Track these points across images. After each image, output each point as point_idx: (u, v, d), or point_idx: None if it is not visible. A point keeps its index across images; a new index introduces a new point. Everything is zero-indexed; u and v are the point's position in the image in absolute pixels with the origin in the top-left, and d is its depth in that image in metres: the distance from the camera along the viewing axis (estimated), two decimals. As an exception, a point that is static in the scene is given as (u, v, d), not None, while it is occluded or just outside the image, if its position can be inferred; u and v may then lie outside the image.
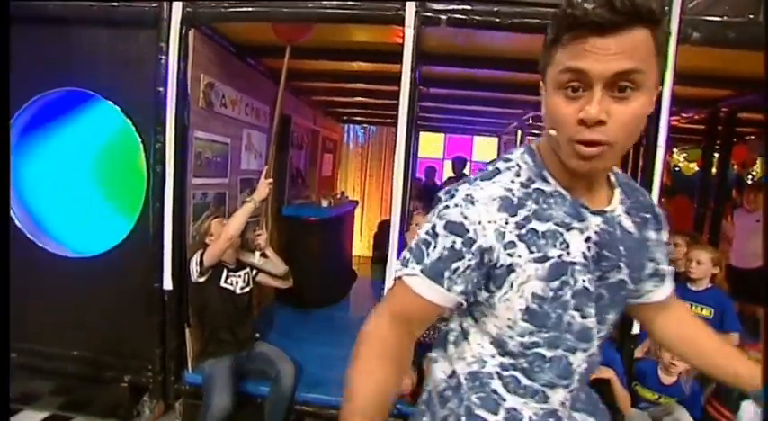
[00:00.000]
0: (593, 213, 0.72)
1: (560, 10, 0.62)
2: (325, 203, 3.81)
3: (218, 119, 2.70)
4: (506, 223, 0.68)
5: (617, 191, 0.77)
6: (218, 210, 2.73)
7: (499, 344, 0.74)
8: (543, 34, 1.92)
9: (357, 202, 4.83)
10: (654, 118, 2.09)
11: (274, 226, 3.69)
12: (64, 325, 2.52)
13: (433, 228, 0.70)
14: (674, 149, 5.84)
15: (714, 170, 3.68)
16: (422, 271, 0.70)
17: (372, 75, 3.44)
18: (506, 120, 5.14)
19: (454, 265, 0.68)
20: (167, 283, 2.34)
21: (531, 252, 0.68)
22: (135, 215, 2.41)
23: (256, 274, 2.52)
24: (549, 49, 0.65)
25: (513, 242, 0.68)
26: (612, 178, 0.79)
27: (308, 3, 2.19)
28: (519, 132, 4.91)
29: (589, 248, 0.70)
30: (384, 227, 5.48)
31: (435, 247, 0.69)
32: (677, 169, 5.96)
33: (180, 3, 2.21)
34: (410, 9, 2.07)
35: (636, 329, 2.18)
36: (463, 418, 0.76)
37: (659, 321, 0.89)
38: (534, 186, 0.71)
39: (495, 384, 0.76)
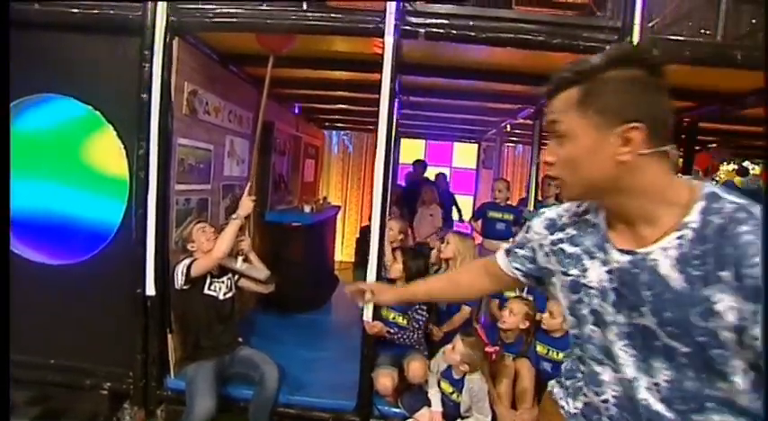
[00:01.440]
0: (619, 250, 0.78)
1: None
2: (307, 209, 3.85)
3: (202, 126, 2.73)
4: (545, 238, 0.92)
5: (675, 234, 0.71)
6: (201, 216, 2.75)
7: (572, 337, 0.93)
8: (516, 47, 2.03)
9: (339, 208, 4.88)
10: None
11: (257, 231, 3.70)
12: (43, 333, 2.49)
13: (524, 227, 1.03)
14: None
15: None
16: (506, 248, 1.06)
17: (353, 83, 3.52)
18: (485, 128, 5.29)
19: (517, 250, 1.01)
20: (150, 289, 2.35)
21: (558, 265, 0.88)
22: (116, 221, 2.42)
23: (239, 279, 2.55)
24: None
25: (547, 253, 0.92)
26: (691, 218, 0.70)
27: (291, 14, 2.26)
28: (498, 139, 5.08)
29: (611, 280, 0.79)
30: (366, 232, 5.53)
31: (517, 237, 1.04)
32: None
33: (164, 12, 2.24)
34: (390, 22, 2.15)
35: None
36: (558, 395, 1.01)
37: None
38: (586, 216, 0.87)
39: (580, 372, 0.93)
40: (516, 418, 2.13)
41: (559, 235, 0.89)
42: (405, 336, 2.31)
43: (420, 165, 5.36)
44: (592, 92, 0.72)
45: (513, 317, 2.35)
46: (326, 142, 6.36)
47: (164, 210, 2.37)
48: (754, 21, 2.45)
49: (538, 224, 0.95)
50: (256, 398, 2.25)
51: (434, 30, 2.20)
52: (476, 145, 6.15)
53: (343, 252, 6.24)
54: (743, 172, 5.47)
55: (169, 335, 2.46)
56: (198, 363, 2.29)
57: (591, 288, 0.81)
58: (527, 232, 0.98)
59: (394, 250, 2.56)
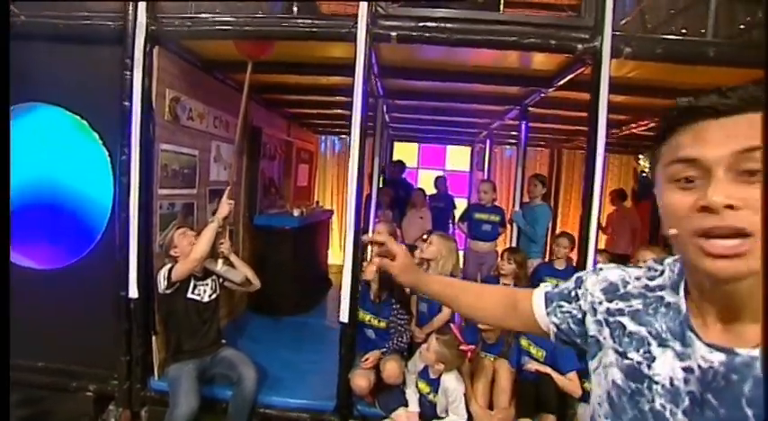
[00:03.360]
0: (707, 345, 0.60)
1: (669, 109, 0.61)
2: (296, 213, 3.88)
3: (185, 132, 2.78)
4: (600, 303, 0.73)
5: None
6: (186, 220, 2.80)
7: (593, 418, 0.75)
8: (489, 48, 2.02)
9: (332, 212, 4.91)
10: (592, 126, 2.23)
11: (247, 235, 3.75)
12: (30, 336, 2.54)
13: (574, 277, 0.84)
14: (641, 156, 6.06)
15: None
16: (546, 292, 0.85)
17: (347, 88, 3.52)
18: (477, 130, 5.31)
19: (562, 302, 0.81)
20: (133, 292, 2.39)
21: (614, 341, 0.69)
22: (101, 226, 2.48)
23: (224, 281, 2.59)
24: (658, 146, 0.62)
25: (599, 321, 0.72)
26: None
27: (267, 21, 2.31)
28: (488, 141, 5.08)
29: (687, 380, 0.60)
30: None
31: (563, 285, 0.84)
32: (644, 175, 6.16)
33: (143, 21, 2.30)
34: (362, 26, 2.19)
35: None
36: None
37: None
38: (658, 293, 0.68)
39: None
40: (492, 418, 2.12)
41: (620, 304, 0.70)
42: (394, 340, 2.33)
43: (398, 165, 5.39)
44: None
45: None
46: (321, 147, 6.42)
47: (146, 214, 2.42)
48: (748, 18, 2.45)
49: (593, 282, 0.76)
50: (234, 399, 2.28)
51: (406, 32, 2.23)
52: (469, 147, 6.17)
53: (338, 256, 6.26)
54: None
55: (153, 337, 2.50)
56: (180, 364, 2.32)
57: (656, 382, 0.63)
58: (577, 286, 0.79)
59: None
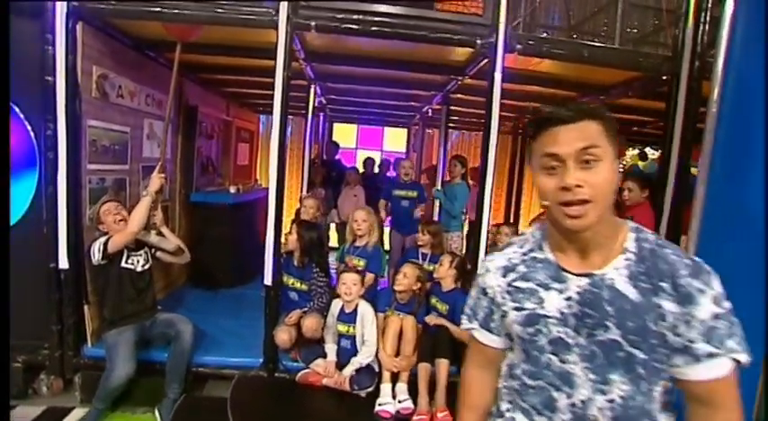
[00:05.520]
0: (577, 275, 0.86)
1: (532, 116, 0.89)
2: (233, 190, 4.02)
3: (116, 109, 2.84)
4: (502, 284, 0.95)
5: (622, 256, 0.84)
6: (119, 195, 2.89)
7: (509, 369, 0.98)
8: (400, 40, 2.25)
9: (271, 190, 5.05)
10: (487, 110, 2.58)
11: (183, 212, 3.86)
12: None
13: (475, 292, 1.02)
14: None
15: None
16: (477, 325, 1.01)
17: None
18: (413, 113, 5.61)
19: (494, 317, 0.98)
20: (63, 263, 2.48)
21: (513, 302, 0.92)
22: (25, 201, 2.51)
23: (156, 252, 2.73)
24: (530, 145, 0.88)
25: (504, 297, 0.94)
26: (628, 244, 0.85)
27: (194, 5, 2.41)
28: (420, 124, 5.39)
29: (570, 306, 0.85)
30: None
31: (473, 302, 1.02)
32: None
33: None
34: (282, 16, 2.37)
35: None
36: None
37: (693, 412, 0.85)
38: (531, 255, 0.94)
39: (501, 401, 1.00)
40: (396, 363, 2.47)
41: (512, 275, 0.93)
42: (315, 301, 2.61)
43: (333, 145, 5.65)
44: (608, 125, 0.82)
45: (405, 279, 2.66)
46: (263, 126, 6.45)
47: (75, 188, 2.50)
48: (656, 21, 2.86)
49: (492, 278, 0.97)
50: (172, 354, 2.46)
51: (325, 23, 2.44)
52: (406, 129, 6.47)
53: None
54: (643, 157, 6.11)
55: (86, 307, 2.61)
56: (119, 330, 2.44)
57: (549, 317, 0.87)
58: (484, 294, 0.99)
59: (293, 223, 2.83)
